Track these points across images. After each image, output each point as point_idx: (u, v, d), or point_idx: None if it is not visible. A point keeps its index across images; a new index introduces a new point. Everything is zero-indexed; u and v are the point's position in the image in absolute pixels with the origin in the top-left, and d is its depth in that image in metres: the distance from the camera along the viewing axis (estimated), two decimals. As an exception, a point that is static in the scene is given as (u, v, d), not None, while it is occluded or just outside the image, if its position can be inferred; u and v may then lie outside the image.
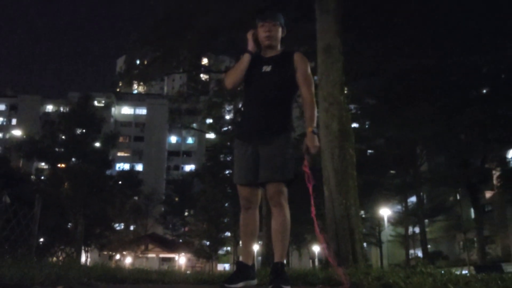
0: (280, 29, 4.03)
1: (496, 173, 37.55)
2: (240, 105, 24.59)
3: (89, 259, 38.35)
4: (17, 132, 60.42)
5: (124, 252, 50.33)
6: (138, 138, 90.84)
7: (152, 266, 24.37)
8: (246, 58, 3.93)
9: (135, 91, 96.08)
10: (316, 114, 3.79)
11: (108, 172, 45.31)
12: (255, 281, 3.86)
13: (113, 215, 43.52)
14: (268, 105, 3.78)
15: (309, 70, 3.92)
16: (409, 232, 41.89)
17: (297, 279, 5.08)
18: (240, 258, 3.94)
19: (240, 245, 4.09)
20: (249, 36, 4.01)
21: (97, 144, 42.15)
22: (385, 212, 40.09)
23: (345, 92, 11.03)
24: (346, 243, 9.20)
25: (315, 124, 3.71)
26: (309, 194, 3.73)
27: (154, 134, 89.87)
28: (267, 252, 23.92)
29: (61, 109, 46.66)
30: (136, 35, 20.93)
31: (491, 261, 36.93)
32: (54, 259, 9.72)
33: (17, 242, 6.92)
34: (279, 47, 4.05)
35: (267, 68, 3.87)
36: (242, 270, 3.80)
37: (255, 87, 3.86)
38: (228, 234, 48.10)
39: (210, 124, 32.99)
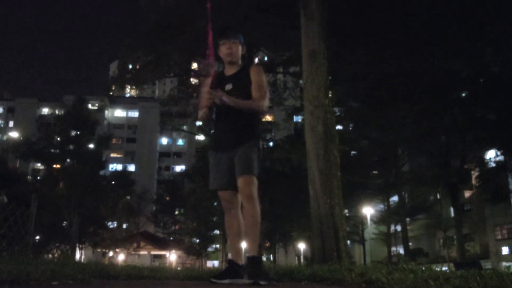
0: (240, 47, 4.23)
1: (474, 174, 38.12)
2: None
3: (83, 256, 38.44)
4: (14, 134, 59.85)
5: (117, 250, 50.64)
6: (131, 140, 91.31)
7: (144, 263, 24.54)
8: (200, 114, 4.18)
9: (128, 95, 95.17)
10: (252, 107, 4.01)
11: (101, 172, 45.58)
12: (246, 280, 3.94)
13: (106, 214, 44.07)
14: (234, 120, 4.00)
15: (263, 79, 4.10)
16: (391, 230, 42.14)
17: (284, 275, 5.08)
18: (230, 256, 4.15)
19: (228, 243, 4.38)
20: (205, 94, 4.04)
21: (91, 146, 42.25)
22: (368, 211, 40.47)
23: (330, 95, 11.19)
24: (331, 240, 9.34)
25: (240, 103, 3.93)
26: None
27: (146, 136, 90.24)
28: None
29: (57, 111, 46.55)
30: (129, 40, 20.97)
31: (470, 258, 37.75)
32: (50, 256, 9.58)
33: (14, 240, 6.98)
34: (239, 62, 4.26)
35: (228, 87, 4.06)
36: (231, 268, 3.96)
37: (222, 105, 3.96)
38: (217, 232, 47.95)
39: (199, 126, 32.48)
